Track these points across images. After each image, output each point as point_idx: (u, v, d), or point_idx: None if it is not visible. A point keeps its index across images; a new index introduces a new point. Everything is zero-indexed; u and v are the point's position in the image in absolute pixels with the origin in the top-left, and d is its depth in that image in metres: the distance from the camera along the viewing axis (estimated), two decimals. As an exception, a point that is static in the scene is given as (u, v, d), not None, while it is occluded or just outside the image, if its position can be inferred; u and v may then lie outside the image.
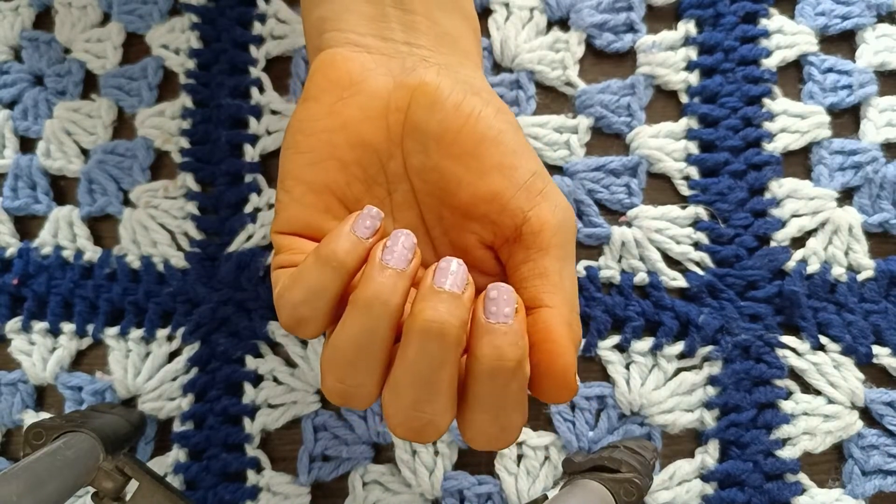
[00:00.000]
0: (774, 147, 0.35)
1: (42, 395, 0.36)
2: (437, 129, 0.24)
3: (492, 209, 0.23)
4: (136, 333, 0.36)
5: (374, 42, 0.25)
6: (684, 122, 0.36)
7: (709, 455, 0.33)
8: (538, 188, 0.23)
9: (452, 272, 0.20)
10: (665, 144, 0.36)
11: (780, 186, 0.35)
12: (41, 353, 0.36)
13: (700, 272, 0.34)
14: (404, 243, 0.21)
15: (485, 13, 0.38)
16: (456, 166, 0.24)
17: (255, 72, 0.38)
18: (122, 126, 0.39)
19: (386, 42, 0.25)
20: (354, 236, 0.21)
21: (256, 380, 0.35)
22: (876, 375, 0.33)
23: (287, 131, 0.25)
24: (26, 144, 0.39)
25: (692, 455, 0.33)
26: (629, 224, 0.35)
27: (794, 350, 0.33)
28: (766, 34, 0.36)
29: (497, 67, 0.37)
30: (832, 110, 0.36)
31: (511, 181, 0.23)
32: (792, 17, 0.37)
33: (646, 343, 0.34)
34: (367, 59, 0.25)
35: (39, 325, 0.36)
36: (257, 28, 0.38)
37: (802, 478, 0.32)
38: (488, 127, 0.23)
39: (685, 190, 0.35)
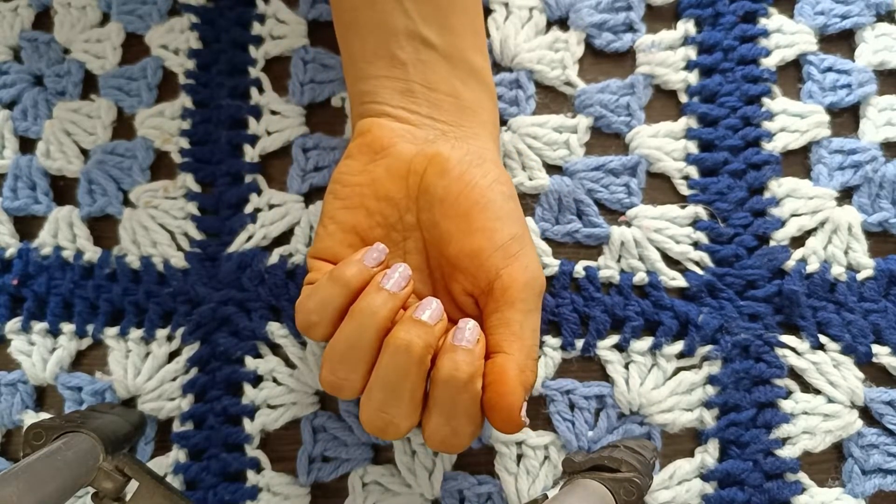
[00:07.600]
0: (774, 146, 0.35)
1: (42, 396, 0.36)
2: (442, 193, 0.29)
3: (472, 264, 0.28)
4: (135, 333, 0.36)
5: (404, 114, 0.30)
6: (683, 122, 0.36)
7: (708, 454, 0.33)
8: (513, 251, 0.28)
9: (430, 308, 0.26)
10: (664, 144, 0.36)
11: (780, 186, 0.35)
12: (41, 353, 0.36)
13: (699, 272, 0.34)
14: (401, 273, 0.27)
15: (484, 13, 0.38)
16: (450, 224, 0.28)
17: (255, 72, 0.38)
18: (122, 126, 0.39)
19: (413, 115, 0.30)
20: (362, 264, 0.27)
21: (256, 380, 0.35)
22: (875, 374, 0.33)
23: (330, 179, 0.30)
24: (26, 145, 0.39)
25: (692, 454, 0.33)
26: (628, 224, 0.35)
27: (793, 349, 0.33)
28: (765, 33, 0.36)
29: (496, 67, 0.37)
30: (831, 109, 0.36)
31: (490, 242, 0.28)
32: (791, 16, 0.37)
33: (645, 343, 0.34)
34: (398, 127, 0.30)
35: (39, 326, 0.36)
36: (256, 28, 0.38)
37: (802, 477, 0.32)
38: (480, 195, 0.28)
39: (684, 189, 0.35)
